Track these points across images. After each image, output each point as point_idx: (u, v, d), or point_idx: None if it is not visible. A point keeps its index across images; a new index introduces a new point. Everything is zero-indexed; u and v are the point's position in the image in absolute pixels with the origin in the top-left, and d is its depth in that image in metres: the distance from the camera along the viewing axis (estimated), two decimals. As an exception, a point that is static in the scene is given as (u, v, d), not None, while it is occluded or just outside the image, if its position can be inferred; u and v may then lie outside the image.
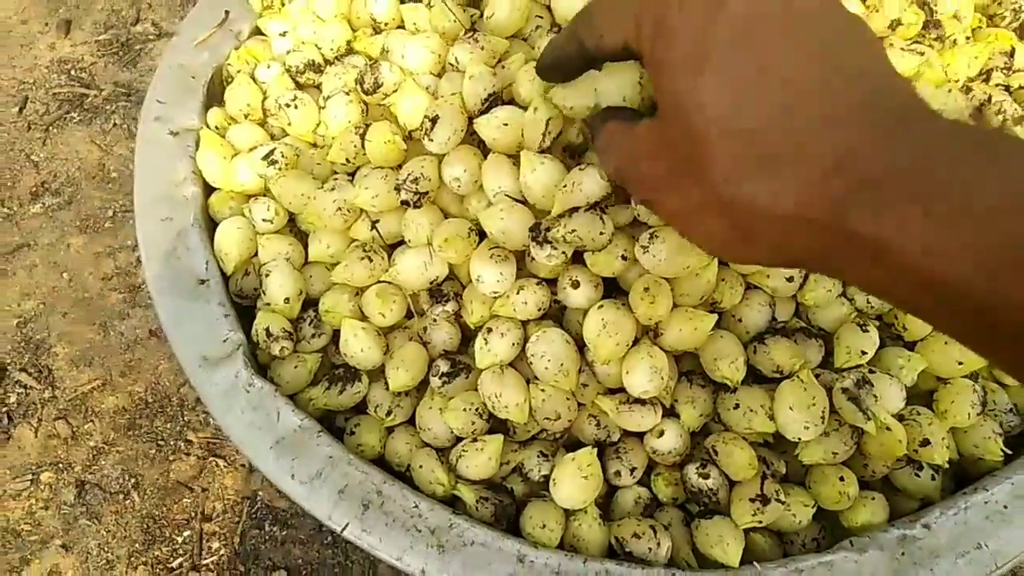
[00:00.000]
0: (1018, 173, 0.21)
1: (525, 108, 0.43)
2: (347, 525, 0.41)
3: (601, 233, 0.39)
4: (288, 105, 0.52)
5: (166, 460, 0.82)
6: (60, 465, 0.82)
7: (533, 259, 0.43)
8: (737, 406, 0.43)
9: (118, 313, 0.92)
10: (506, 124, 0.43)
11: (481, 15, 0.51)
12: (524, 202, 0.43)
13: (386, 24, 0.56)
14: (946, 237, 0.21)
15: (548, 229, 0.40)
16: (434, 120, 0.43)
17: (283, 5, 0.61)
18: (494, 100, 0.44)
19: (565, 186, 0.40)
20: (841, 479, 0.42)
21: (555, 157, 0.43)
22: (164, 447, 0.82)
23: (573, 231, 0.39)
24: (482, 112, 0.43)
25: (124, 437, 0.83)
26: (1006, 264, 0.20)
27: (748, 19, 0.25)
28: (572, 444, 0.46)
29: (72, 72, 1.20)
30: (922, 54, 0.52)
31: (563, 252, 0.41)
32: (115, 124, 1.13)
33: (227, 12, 0.63)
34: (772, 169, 0.24)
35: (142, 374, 0.87)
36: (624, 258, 0.42)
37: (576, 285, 0.43)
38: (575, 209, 0.39)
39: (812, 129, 0.23)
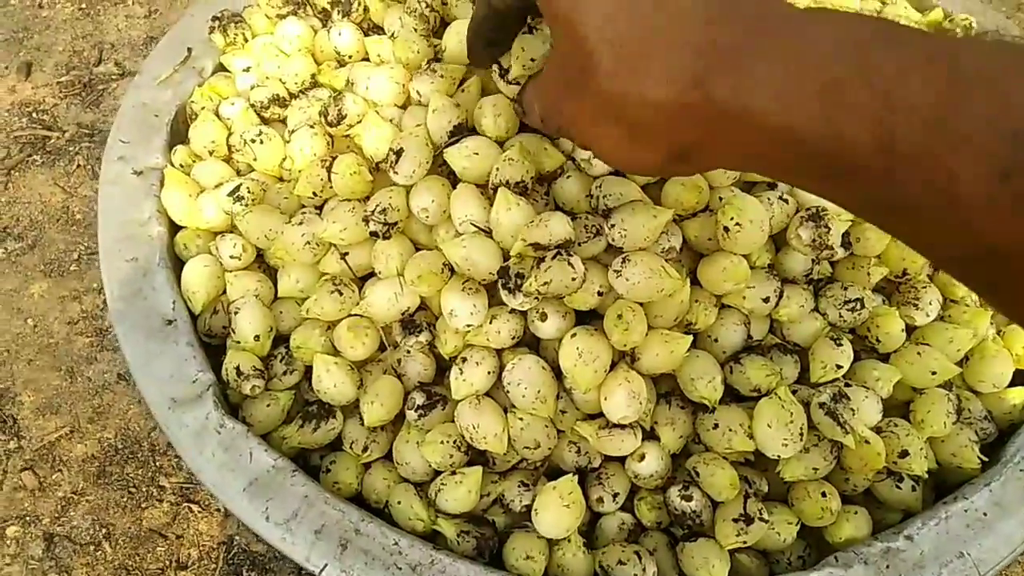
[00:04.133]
0: (837, 30, 0.24)
1: (490, 138, 0.43)
2: (325, 566, 0.40)
3: (573, 279, 0.40)
4: (253, 140, 0.52)
5: (138, 507, 0.79)
6: (27, 518, 0.79)
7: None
8: (716, 426, 0.43)
9: (85, 358, 0.90)
10: (476, 153, 0.43)
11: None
12: (490, 232, 0.43)
13: (350, 57, 0.56)
14: (787, 90, 0.24)
15: (520, 276, 0.40)
16: (399, 153, 0.43)
17: (246, 41, 0.61)
18: (460, 130, 0.44)
19: (532, 222, 0.41)
20: (823, 495, 0.42)
21: (529, 200, 0.43)
22: (136, 494, 0.80)
23: (546, 283, 0.39)
24: (449, 144, 0.43)
25: (94, 486, 0.81)
26: (819, 100, 0.23)
27: None
28: (553, 472, 0.45)
29: (34, 115, 1.18)
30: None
31: (536, 299, 0.41)
32: (79, 165, 1.11)
33: (190, 49, 0.62)
34: (646, 63, 0.27)
35: (111, 419, 0.85)
36: (600, 293, 0.42)
37: (544, 318, 0.43)
38: (542, 258, 0.40)
39: (675, 25, 0.27)
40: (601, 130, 0.31)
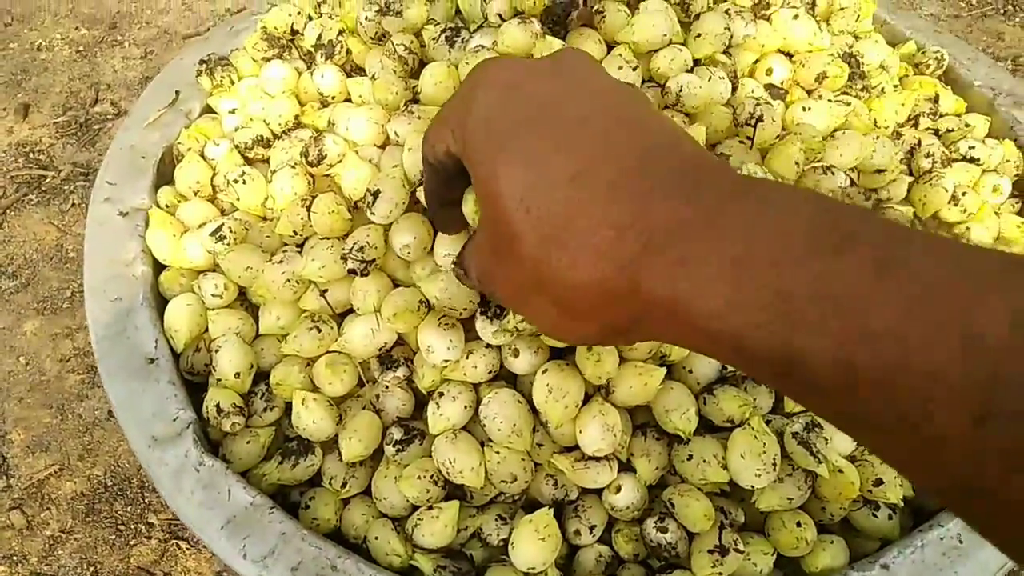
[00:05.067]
0: (785, 223, 0.22)
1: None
2: (302, 604, 0.40)
3: None
4: (236, 181, 0.53)
5: (126, 545, 0.79)
6: (14, 558, 0.79)
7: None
8: (691, 457, 0.43)
9: (76, 395, 0.91)
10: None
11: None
12: None
13: (333, 97, 0.58)
14: (732, 293, 0.21)
15: (501, 307, 0.41)
16: (376, 194, 0.44)
17: (232, 83, 0.62)
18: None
19: None
20: (799, 524, 0.43)
21: None
22: (124, 532, 0.80)
23: (524, 320, 0.40)
24: (420, 183, 0.44)
25: (82, 524, 0.81)
26: (769, 311, 0.21)
27: (537, 99, 0.27)
28: (531, 505, 0.45)
29: (30, 154, 1.20)
30: (849, 104, 0.55)
31: (513, 334, 0.41)
32: (73, 204, 1.13)
33: (177, 92, 0.64)
34: (568, 240, 0.25)
35: (101, 456, 0.85)
36: None
37: (516, 354, 0.43)
38: None
39: (598, 199, 0.24)
40: (531, 301, 0.28)
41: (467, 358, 0.44)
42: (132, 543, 0.79)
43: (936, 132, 0.64)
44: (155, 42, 1.39)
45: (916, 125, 0.64)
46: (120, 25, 1.41)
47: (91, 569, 0.78)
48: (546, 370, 0.42)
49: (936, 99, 0.65)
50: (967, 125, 0.63)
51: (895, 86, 0.65)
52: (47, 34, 1.39)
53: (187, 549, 0.79)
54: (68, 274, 1.04)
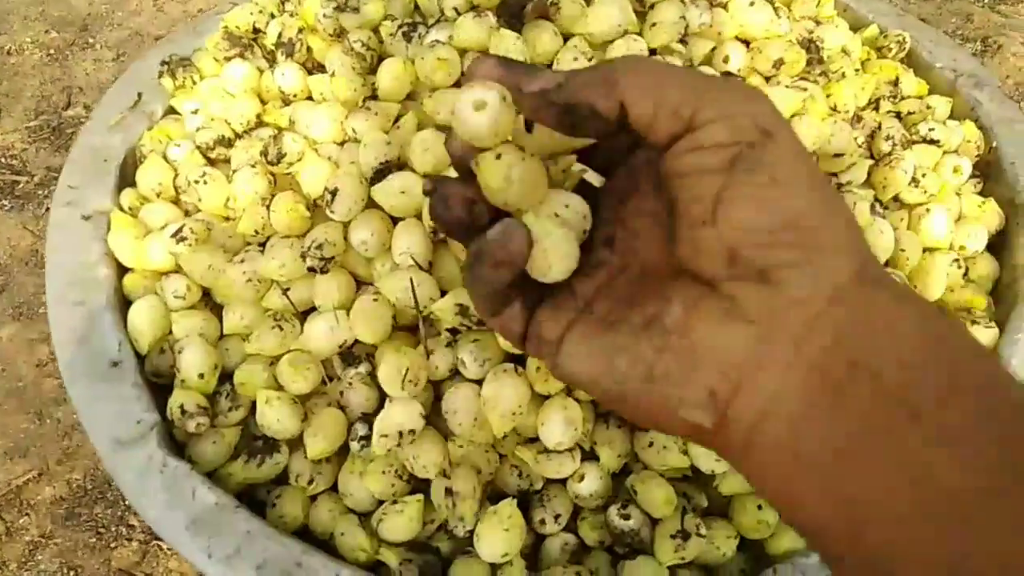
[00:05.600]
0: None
1: (418, 174, 0.44)
2: (267, 601, 0.40)
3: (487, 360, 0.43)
4: (197, 181, 0.53)
5: (107, 548, 0.79)
6: (-6, 564, 0.79)
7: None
8: (652, 444, 0.43)
9: (54, 399, 0.90)
10: (403, 192, 0.44)
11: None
12: (428, 268, 0.44)
13: (295, 96, 0.58)
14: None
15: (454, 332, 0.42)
16: (334, 192, 0.44)
17: (195, 84, 0.62)
18: (387, 167, 0.45)
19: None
20: (759, 508, 0.43)
21: None
22: (105, 534, 0.80)
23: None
24: (374, 179, 0.45)
25: (62, 528, 0.81)
26: None
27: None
28: (497, 496, 0.46)
29: (2, 159, 1.19)
30: (805, 89, 0.55)
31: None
32: (48, 209, 1.12)
33: (140, 94, 0.63)
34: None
35: (80, 460, 0.85)
36: None
37: (463, 364, 0.43)
38: (468, 327, 0.41)
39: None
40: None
41: (428, 359, 0.44)
42: (113, 545, 0.79)
43: (898, 115, 0.64)
44: (127, 44, 1.37)
45: (877, 108, 0.64)
46: (91, 27, 1.40)
47: (72, 573, 0.78)
48: (487, 379, 0.42)
49: (897, 82, 0.65)
50: (928, 107, 0.64)
51: (856, 70, 0.65)
52: (17, 38, 1.37)
53: (168, 550, 0.79)
54: (43, 279, 1.03)
